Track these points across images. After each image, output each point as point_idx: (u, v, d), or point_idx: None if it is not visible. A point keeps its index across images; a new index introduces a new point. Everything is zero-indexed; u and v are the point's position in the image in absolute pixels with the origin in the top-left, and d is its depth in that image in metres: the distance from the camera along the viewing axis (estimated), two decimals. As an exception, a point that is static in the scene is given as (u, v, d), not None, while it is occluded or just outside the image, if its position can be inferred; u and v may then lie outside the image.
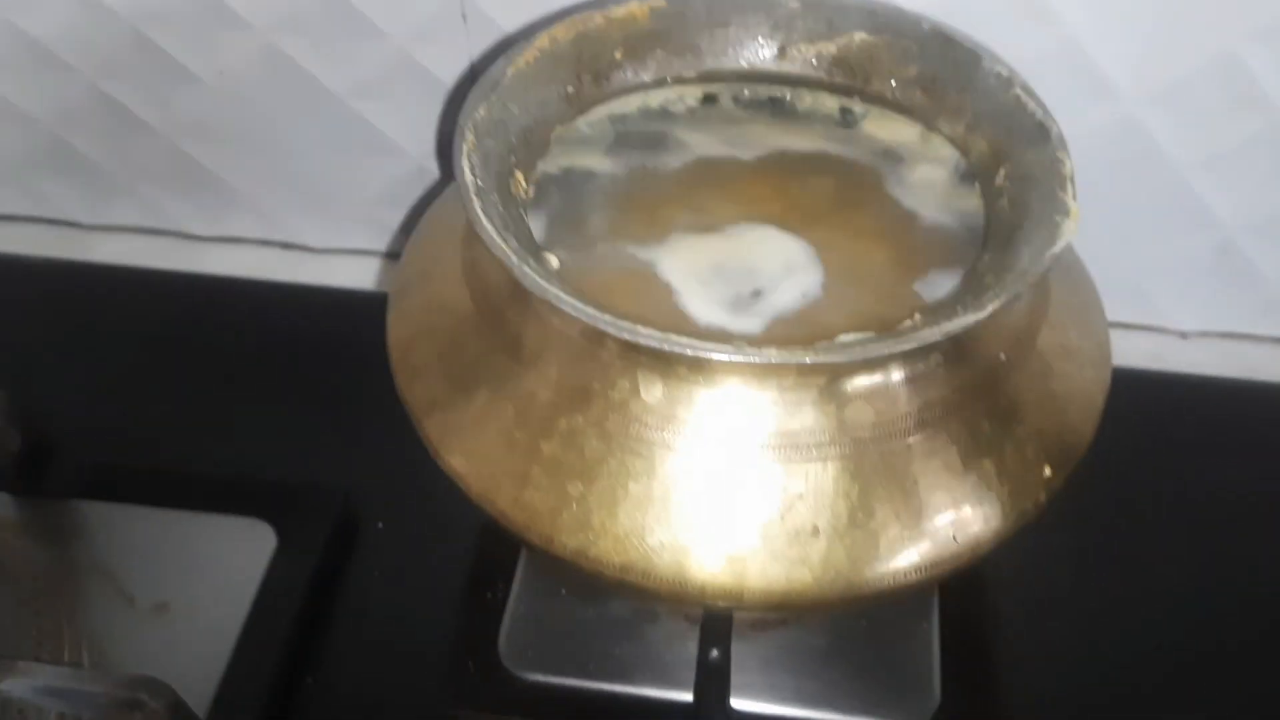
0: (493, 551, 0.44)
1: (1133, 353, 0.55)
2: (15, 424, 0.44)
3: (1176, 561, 0.46)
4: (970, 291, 0.31)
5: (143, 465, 0.47)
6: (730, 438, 0.30)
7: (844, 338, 0.30)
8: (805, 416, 0.30)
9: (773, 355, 0.28)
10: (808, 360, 0.29)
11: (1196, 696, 0.42)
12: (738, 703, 0.40)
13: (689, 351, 0.28)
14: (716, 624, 0.38)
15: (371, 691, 0.42)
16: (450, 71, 0.50)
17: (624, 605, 0.42)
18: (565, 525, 0.31)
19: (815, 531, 0.30)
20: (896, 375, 0.31)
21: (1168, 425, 0.52)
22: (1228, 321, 0.56)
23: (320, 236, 0.59)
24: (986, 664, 0.42)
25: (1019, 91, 0.36)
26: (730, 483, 0.30)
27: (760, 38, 0.40)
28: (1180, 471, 0.50)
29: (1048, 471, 0.32)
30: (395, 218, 0.57)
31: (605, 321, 0.28)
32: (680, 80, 0.40)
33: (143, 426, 0.49)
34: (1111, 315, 0.55)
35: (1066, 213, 0.32)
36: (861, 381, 0.30)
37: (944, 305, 0.32)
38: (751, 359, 0.28)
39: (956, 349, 0.31)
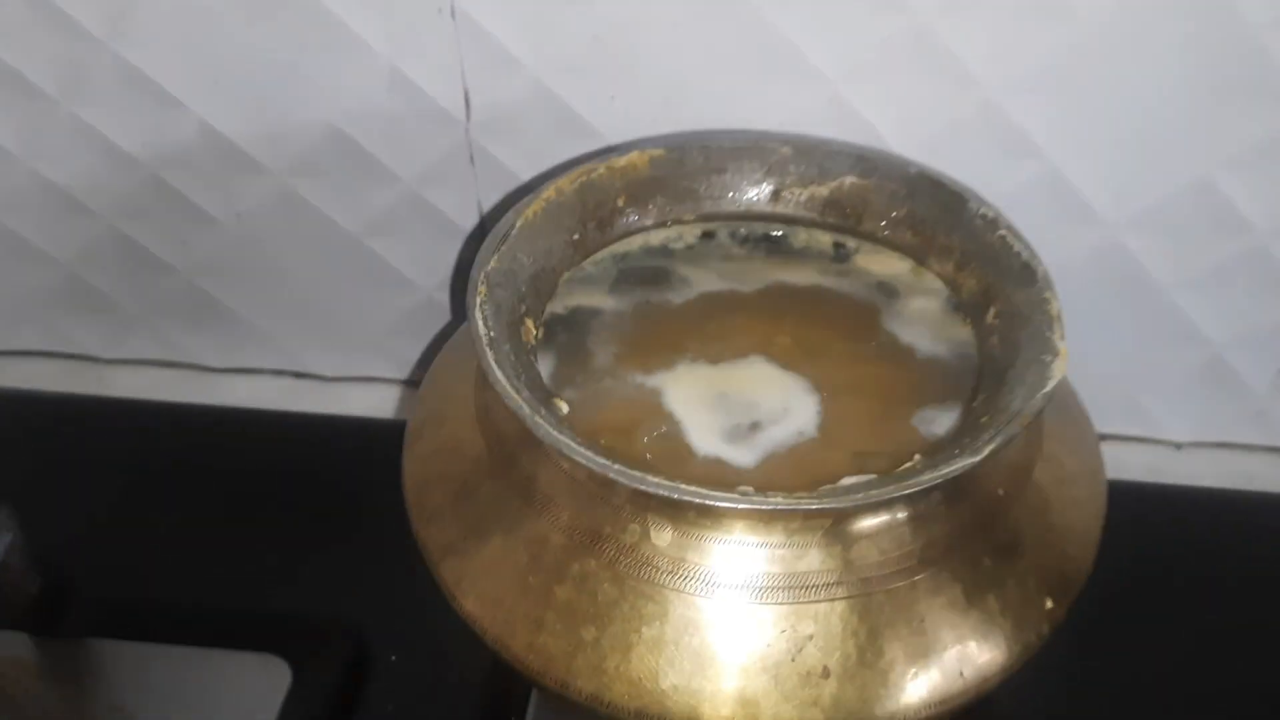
0: (505, 687, 0.44)
1: (1129, 465, 0.56)
2: (35, 566, 0.45)
3: (1177, 674, 0.47)
4: (967, 432, 0.32)
5: (158, 602, 0.48)
6: (740, 580, 0.31)
7: (846, 481, 0.32)
8: (812, 558, 0.31)
9: (779, 502, 0.29)
10: (813, 507, 0.30)
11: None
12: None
13: (697, 500, 0.29)
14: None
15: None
16: (458, 210, 0.52)
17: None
18: (580, 670, 0.32)
19: (826, 672, 0.31)
20: (899, 515, 0.32)
21: (1165, 537, 0.53)
22: (1220, 432, 0.57)
23: (333, 366, 0.60)
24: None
25: (1004, 233, 0.37)
26: (741, 625, 0.31)
27: (755, 182, 0.42)
28: (1179, 582, 0.51)
29: (1049, 604, 0.33)
30: (406, 347, 0.59)
31: (615, 470, 0.30)
32: (680, 222, 0.41)
33: (158, 561, 0.50)
34: (1107, 428, 0.57)
35: (1055, 353, 0.33)
36: (865, 522, 0.31)
37: (943, 446, 0.33)
38: (758, 506, 0.29)
39: (956, 487, 0.32)
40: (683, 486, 0.29)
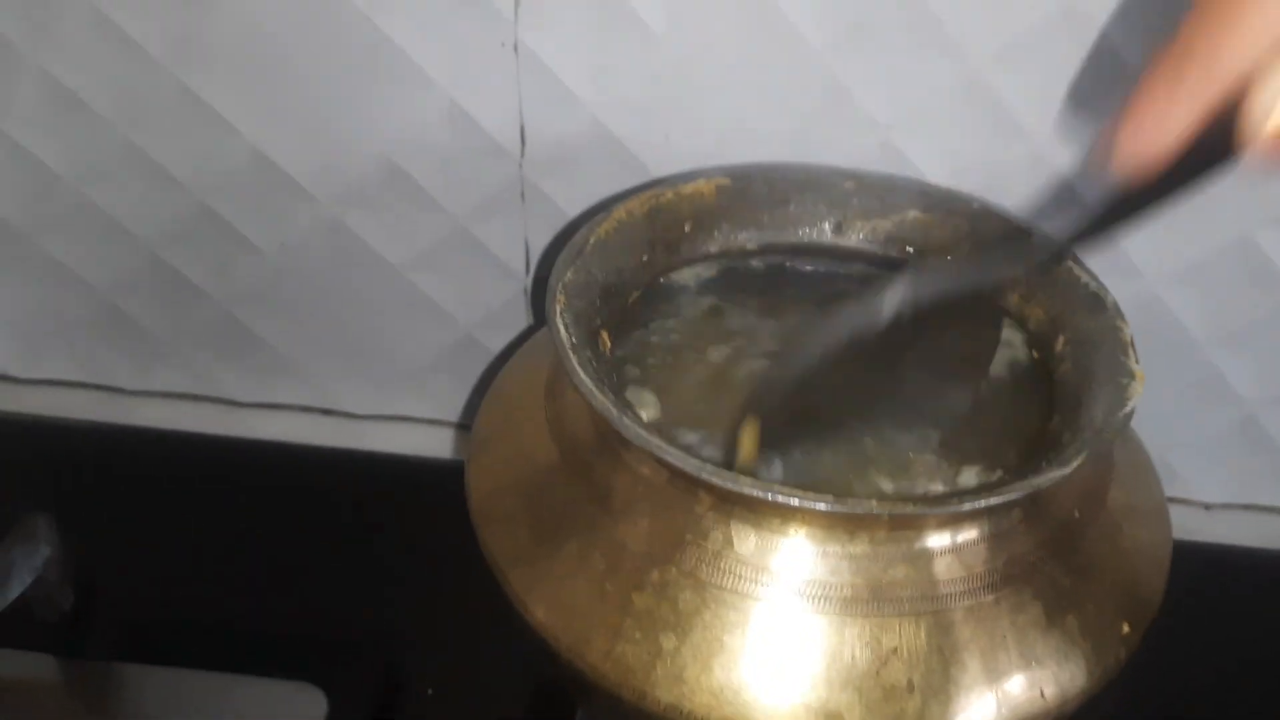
0: (552, 712, 0.43)
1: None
2: (70, 580, 0.44)
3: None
4: (1050, 449, 0.32)
5: (191, 626, 0.47)
6: (823, 591, 0.31)
7: (943, 495, 0.31)
8: (897, 571, 0.31)
9: (872, 506, 0.29)
10: (904, 512, 0.30)
11: None
12: None
13: (793, 502, 0.29)
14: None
15: None
16: (505, 246, 0.52)
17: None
18: (659, 679, 0.31)
19: (910, 687, 0.30)
20: (981, 531, 0.31)
21: (1194, 596, 0.53)
22: (1251, 494, 0.57)
23: (363, 403, 0.60)
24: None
25: (1070, 263, 0.38)
26: (824, 636, 0.31)
27: (819, 215, 0.42)
28: (1210, 641, 0.51)
29: (1126, 628, 0.33)
30: (439, 385, 0.58)
31: (708, 471, 0.29)
32: (744, 252, 0.42)
33: (188, 590, 0.49)
34: (1140, 488, 0.57)
35: (1132, 375, 0.33)
36: (949, 538, 0.31)
37: (1026, 464, 0.33)
38: (850, 510, 0.29)
39: (1035, 506, 0.32)
40: (777, 487, 0.29)
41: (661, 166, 0.49)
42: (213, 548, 0.51)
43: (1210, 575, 0.54)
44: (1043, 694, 0.31)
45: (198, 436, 0.58)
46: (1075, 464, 0.30)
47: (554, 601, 0.33)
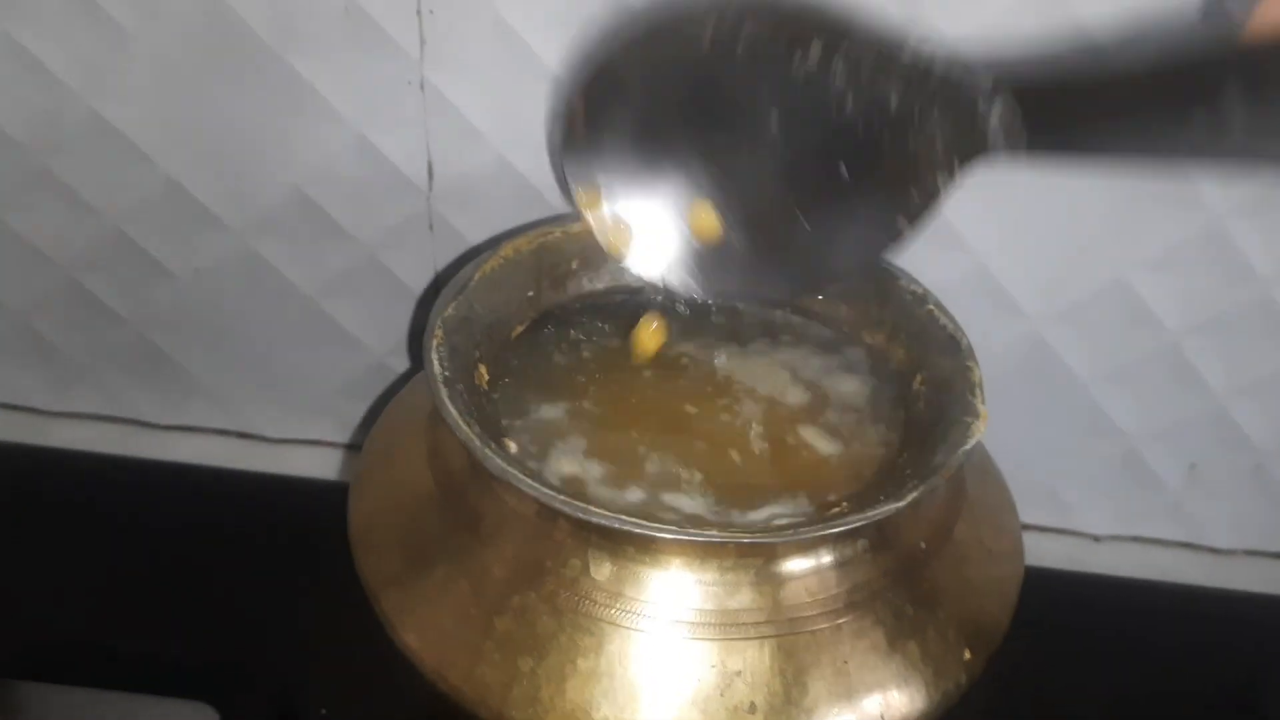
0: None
1: (1049, 555, 0.59)
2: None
3: None
4: (892, 483, 0.34)
5: (84, 645, 0.47)
6: (673, 615, 0.32)
7: (778, 521, 0.33)
8: (744, 596, 0.33)
9: (714, 535, 0.31)
10: (745, 540, 0.31)
11: None
12: None
13: (638, 530, 0.31)
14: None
15: None
16: (415, 276, 0.54)
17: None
18: (515, 700, 0.32)
19: (753, 708, 0.32)
20: (827, 559, 0.33)
21: (1081, 624, 0.55)
22: (1137, 526, 0.60)
23: (277, 427, 0.61)
24: None
25: (931, 307, 0.40)
26: (673, 659, 0.32)
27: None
28: (1093, 669, 0.53)
29: (968, 655, 0.35)
30: (353, 410, 0.60)
31: (560, 500, 0.31)
32: (629, 289, 0.44)
33: (91, 609, 0.49)
34: (1029, 519, 0.59)
35: (976, 415, 0.35)
36: (795, 564, 0.33)
37: (868, 494, 0.35)
38: (694, 538, 0.31)
39: (881, 536, 0.34)
40: (624, 517, 0.31)
41: (564, 201, 0.51)
42: (121, 568, 0.52)
43: (1097, 603, 0.57)
44: (883, 717, 0.33)
45: (110, 458, 0.59)
46: (909, 498, 0.32)
47: (421, 625, 0.34)
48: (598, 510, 0.31)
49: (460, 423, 0.33)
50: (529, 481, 0.31)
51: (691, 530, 0.31)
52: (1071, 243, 0.50)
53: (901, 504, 0.32)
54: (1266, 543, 0.60)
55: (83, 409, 0.61)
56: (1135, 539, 0.60)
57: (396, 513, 0.37)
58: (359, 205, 0.52)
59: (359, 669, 0.48)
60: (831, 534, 0.32)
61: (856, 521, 0.31)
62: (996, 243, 0.51)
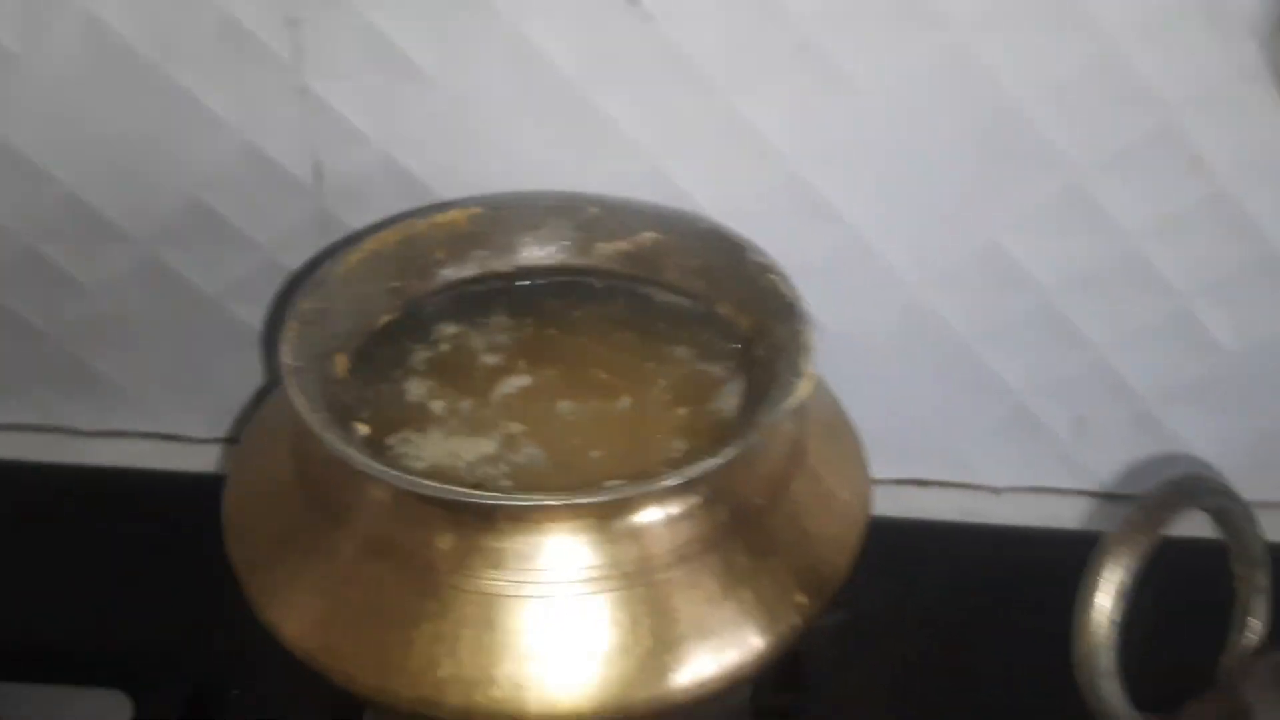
0: (344, 711, 0.47)
1: (951, 509, 0.61)
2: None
3: (994, 690, 0.51)
4: (719, 443, 0.36)
5: (8, 644, 0.50)
6: (513, 576, 0.35)
7: (608, 484, 0.35)
8: (578, 556, 0.35)
9: (540, 498, 0.33)
10: (572, 502, 0.33)
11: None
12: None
13: (466, 499, 0.33)
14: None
15: None
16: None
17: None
18: (366, 662, 0.35)
19: (590, 656, 0.34)
20: (659, 515, 0.35)
21: (983, 573, 0.57)
22: (1033, 477, 0.62)
23: (201, 428, 0.63)
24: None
25: (773, 276, 0.42)
26: (512, 617, 0.34)
27: (566, 237, 0.46)
28: (994, 616, 0.55)
29: (801, 599, 0.37)
30: (268, 407, 0.62)
31: (392, 475, 0.33)
32: (497, 275, 0.46)
33: (11, 606, 0.52)
34: (932, 475, 0.62)
35: (800, 375, 0.37)
36: (628, 522, 0.35)
37: (694, 454, 0.37)
38: (521, 502, 0.33)
39: (714, 492, 0.36)
40: (453, 488, 0.33)
41: (450, 192, 0.53)
42: (48, 568, 0.55)
43: (1001, 554, 0.59)
44: (718, 659, 0.35)
45: (43, 465, 0.61)
46: (727, 457, 0.34)
47: (283, 604, 0.36)
48: (428, 483, 0.33)
49: (306, 407, 0.35)
50: (365, 460, 0.34)
51: (518, 496, 0.33)
52: (940, 208, 0.52)
53: (719, 462, 0.34)
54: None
55: (12, 420, 0.63)
56: (1033, 489, 0.62)
57: (262, 500, 0.39)
58: (252, 209, 0.54)
59: (272, 653, 0.50)
60: (655, 490, 0.34)
61: (673, 481, 0.34)
62: (869, 214, 0.52)
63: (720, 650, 0.35)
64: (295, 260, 0.56)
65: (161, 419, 0.63)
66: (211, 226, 0.54)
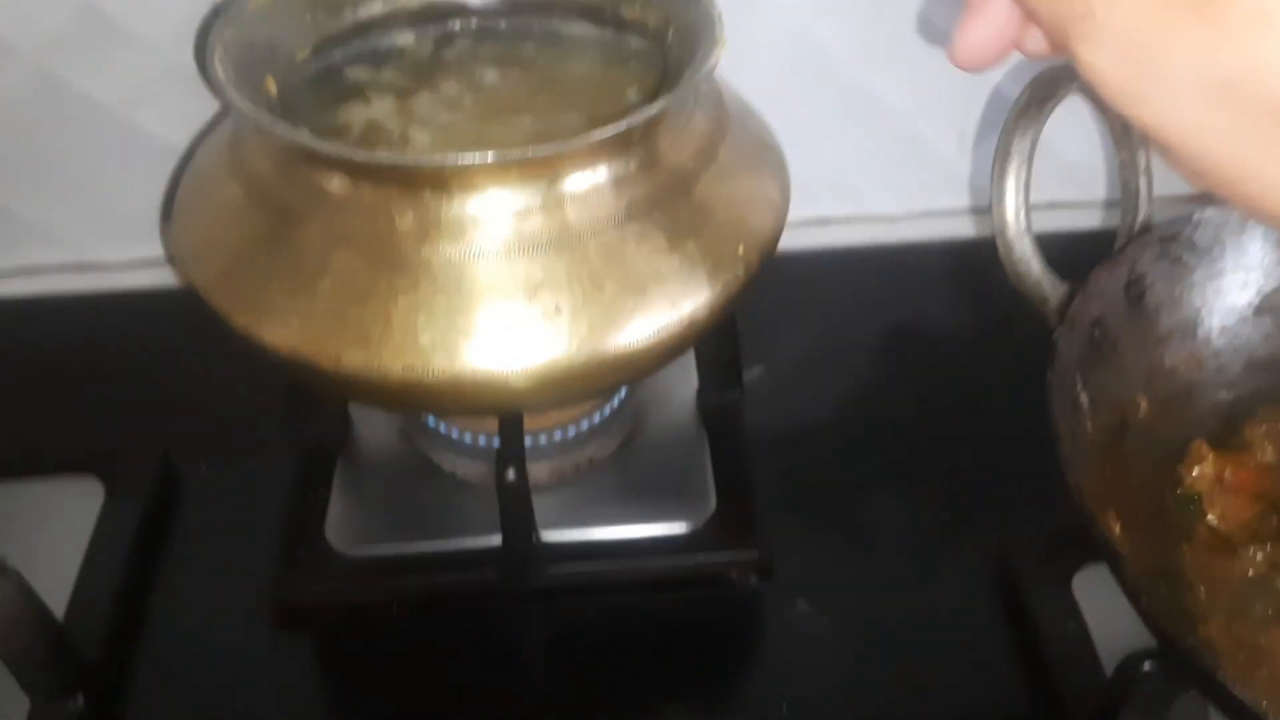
0: (311, 466, 0.49)
1: (853, 241, 0.65)
2: None
3: (892, 387, 0.57)
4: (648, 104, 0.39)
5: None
6: (476, 244, 0.37)
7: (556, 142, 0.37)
8: (535, 218, 0.37)
9: (489, 156, 0.35)
10: (525, 156, 0.36)
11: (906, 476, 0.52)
12: (545, 535, 0.46)
13: (422, 163, 0.35)
14: (510, 442, 0.43)
15: (214, 593, 0.46)
16: (216, 68, 0.56)
17: (432, 479, 0.48)
18: (350, 342, 0.36)
19: (559, 309, 0.37)
20: (603, 177, 0.38)
21: (887, 291, 0.62)
22: (925, 201, 0.66)
23: (115, 252, 0.62)
24: (748, 478, 0.49)
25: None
26: (481, 281, 0.37)
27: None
28: (901, 322, 0.61)
29: (742, 249, 0.40)
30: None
31: (347, 150, 0.35)
32: (405, 12, 0.47)
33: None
34: (829, 212, 0.65)
35: (715, 42, 0.40)
36: (575, 184, 0.37)
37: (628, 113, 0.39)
38: (473, 161, 0.35)
39: (649, 155, 0.39)
40: (411, 158, 0.35)
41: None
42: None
43: (898, 272, 0.64)
44: (674, 304, 0.38)
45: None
46: (659, 107, 0.37)
47: (253, 307, 0.38)
48: (386, 155, 0.35)
49: (252, 109, 0.36)
50: (326, 143, 0.35)
51: (471, 154, 0.35)
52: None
53: (653, 112, 0.37)
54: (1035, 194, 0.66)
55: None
56: (925, 214, 0.66)
57: (212, 226, 0.40)
58: (145, 4, 0.53)
59: (232, 432, 0.52)
60: (602, 141, 0.36)
61: (610, 132, 0.36)
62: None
63: (675, 299, 0.38)
64: (191, 54, 0.55)
65: (75, 249, 0.62)
66: (104, 30, 0.54)
